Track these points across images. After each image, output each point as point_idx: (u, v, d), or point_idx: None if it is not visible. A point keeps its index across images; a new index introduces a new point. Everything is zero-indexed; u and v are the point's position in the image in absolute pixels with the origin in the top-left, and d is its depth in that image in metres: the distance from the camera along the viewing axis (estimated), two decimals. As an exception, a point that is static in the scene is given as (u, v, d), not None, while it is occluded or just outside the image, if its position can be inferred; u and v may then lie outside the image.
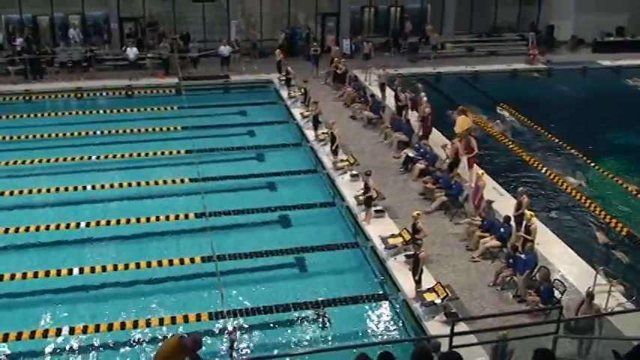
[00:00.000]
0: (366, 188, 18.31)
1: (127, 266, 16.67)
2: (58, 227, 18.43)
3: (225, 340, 13.96)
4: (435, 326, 14.03)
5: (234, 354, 12.82)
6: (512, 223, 17.06)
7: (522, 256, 15.36)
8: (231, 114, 27.76)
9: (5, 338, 14.08)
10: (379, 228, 17.92)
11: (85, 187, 20.71)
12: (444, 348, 10.66)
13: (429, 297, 14.70)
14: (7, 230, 18.20)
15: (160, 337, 14.28)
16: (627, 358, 7.05)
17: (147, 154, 23.26)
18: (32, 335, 14.23)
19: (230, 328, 13.95)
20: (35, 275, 16.24)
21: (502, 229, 16.80)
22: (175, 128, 25.29)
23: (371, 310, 15.54)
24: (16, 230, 18.21)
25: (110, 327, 14.53)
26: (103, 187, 20.80)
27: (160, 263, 16.79)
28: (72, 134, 24.89)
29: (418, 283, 15.16)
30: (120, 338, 14.33)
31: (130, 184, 21.01)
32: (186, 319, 14.80)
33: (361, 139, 24.16)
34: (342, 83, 29.15)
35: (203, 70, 31.65)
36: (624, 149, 25.05)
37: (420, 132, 23.40)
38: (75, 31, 32.36)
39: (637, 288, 15.64)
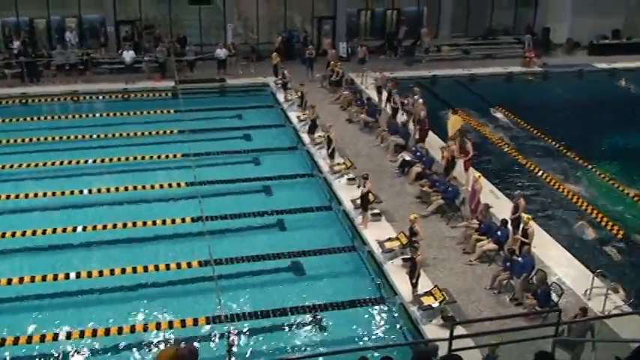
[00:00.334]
0: (363, 192, 18.32)
1: (123, 270, 16.59)
2: (54, 231, 18.40)
3: (222, 344, 13.92)
4: (433, 330, 14.02)
5: (232, 358, 12.79)
6: (509, 226, 17.07)
7: (519, 259, 15.37)
8: (228, 117, 27.75)
9: (2, 342, 14.05)
10: (376, 232, 17.92)
11: (81, 191, 20.72)
12: (443, 351, 10.67)
13: (427, 301, 14.71)
14: (3, 234, 18.13)
15: (157, 342, 14.29)
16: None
17: (143, 158, 23.26)
18: (29, 340, 14.20)
19: (228, 332, 13.94)
20: (31, 280, 16.17)
21: (499, 233, 16.80)
22: (172, 132, 25.24)
23: (368, 314, 15.54)
24: (13, 235, 18.17)
25: (107, 332, 14.49)
26: (99, 190, 20.81)
27: (156, 267, 16.75)
28: (68, 137, 24.84)
29: (415, 286, 15.16)
30: (117, 343, 14.27)
31: (126, 188, 20.94)
32: (183, 323, 14.78)
33: (358, 142, 24.17)
34: (338, 86, 29.18)
35: (199, 74, 31.63)
36: (620, 152, 25.06)
37: (417, 135, 23.42)
38: (71, 34, 32.36)
39: (634, 290, 15.66)
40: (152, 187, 21.06)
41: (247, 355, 13.91)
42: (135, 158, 23.19)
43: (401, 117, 24.85)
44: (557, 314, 11.48)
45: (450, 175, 20.19)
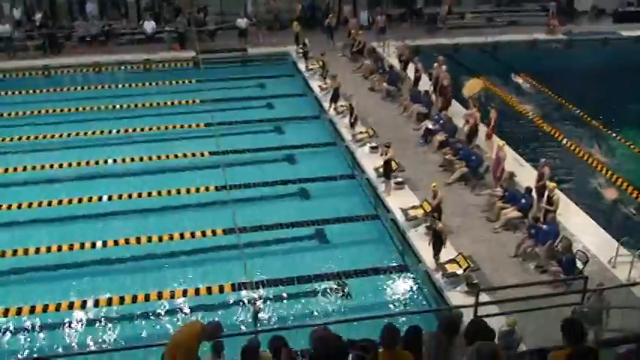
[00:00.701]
0: (385, 159, 18.31)
1: (149, 239, 16.80)
2: (79, 201, 18.62)
3: (248, 311, 14.08)
4: (457, 297, 14.04)
5: (258, 324, 12.93)
6: (534, 194, 16.97)
7: (544, 226, 15.29)
8: (250, 87, 27.72)
9: (32, 310, 14.32)
10: (399, 200, 17.90)
11: (106, 161, 20.88)
12: (467, 318, 10.70)
13: (451, 268, 14.71)
14: (30, 205, 18.36)
15: (184, 309, 14.47)
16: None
17: (166, 128, 23.38)
18: (58, 308, 14.46)
19: (254, 299, 14.08)
20: (59, 249, 16.44)
21: (523, 200, 16.71)
22: (194, 101, 25.33)
23: (392, 281, 15.61)
24: (39, 205, 18.37)
25: (134, 299, 14.72)
26: (124, 160, 20.96)
27: (182, 236, 16.92)
28: (91, 108, 24.99)
29: (436, 256, 15.13)
30: (144, 310, 14.50)
31: (150, 158, 21.13)
32: (209, 290, 14.96)
33: (380, 111, 24.05)
34: (360, 55, 28.98)
35: (220, 43, 31.55)
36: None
37: (439, 103, 23.26)
38: (92, 6, 32.36)
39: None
40: (175, 156, 21.18)
41: (273, 321, 14.04)
42: (158, 128, 23.29)
43: (423, 85, 24.68)
44: (582, 281, 11.50)
45: (472, 142, 20.05)
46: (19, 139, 22.48)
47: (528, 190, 16.89)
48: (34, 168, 20.51)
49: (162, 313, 14.42)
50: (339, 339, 6.68)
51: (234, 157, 20.91)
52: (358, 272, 15.67)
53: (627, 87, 27.21)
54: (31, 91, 26.71)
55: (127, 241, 16.75)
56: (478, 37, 33.18)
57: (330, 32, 31.09)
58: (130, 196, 18.78)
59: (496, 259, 15.52)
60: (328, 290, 15.17)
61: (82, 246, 16.50)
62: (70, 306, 14.50)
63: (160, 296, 14.80)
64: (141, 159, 21.09)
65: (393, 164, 18.72)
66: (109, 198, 18.76)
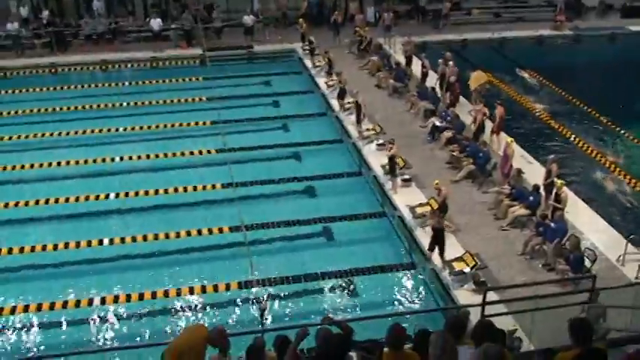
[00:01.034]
0: (388, 155, 18.29)
1: (156, 236, 16.78)
2: (87, 199, 18.63)
3: (255, 309, 14.06)
4: (464, 295, 13.97)
5: (265, 322, 12.90)
6: (542, 191, 16.88)
7: (552, 224, 15.21)
8: (256, 84, 27.68)
9: (39, 308, 14.35)
10: (406, 197, 17.84)
11: (113, 159, 20.90)
12: (474, 317, 10.65)
13: (458, 266, 14.65)
14: (37, 202, 18.41)
15: (190, 307, 14.46)
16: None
17: (172, 125, 23.36)
18: (65, 305, 14.46)
19: (260, 297, 14.05)
20: (65, 246, 16.42)
21: (531, 198, 16.62)
22: (200, 99, 25.31)
23: (399, 279, 15.55)
24: (46, 202, 18.42)
25: (141, 297, 14.70)
26: (130, 158, 20.97)
27: (188, 233, 16.92)
28: (98, 106, 24.99)
29: (441, 254, 15.00)
30: (150, 307, 14.50)
31: (156, 156, 21.09)
32: (215, 288, 14.94)
33: (387, 108, 23.98)
34: (366, 52, 28.91)
35: (227, 41, 31.51)
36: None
37: (447, 100, 23.18)
38: (99, 3, 32.38)
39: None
40: (182, 154, 21.17)
41: (278, 319, 14.00)
42: (165, 126, 23.29)
43: (430, 82, 24.60)
44: (591, 280, 11.41)
45: (480, 139, 19.97)
46: (27, 137, 22.52)
47: (536, 187, 16.79)
48: (41, 165, 20.52)
49: (169, 311, 14.40)
50: (341, 338, 6.65)
51: (240, 155, 20.88)
52: (365, 270, 15.60)
53: (636, 82, 27.05)
54: (37, 89, 26.72)
55: (133, 239, 16.72)
56: (485, 33, 33.05)
57: (336, 29, 31.02)
58: (136, 194, 18.80)
59: (503, 257, 15.44)
60: (335, 288, 15.13)
61: (89, 243, 16.49)
62: (77, 304, 14.49)
63: (166, 294, 14.78)
64: (147, 156, 21.06)
65: (400, 161, 18.70)
66: (116, 195, 18.75)
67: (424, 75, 25.19)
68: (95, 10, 32.18)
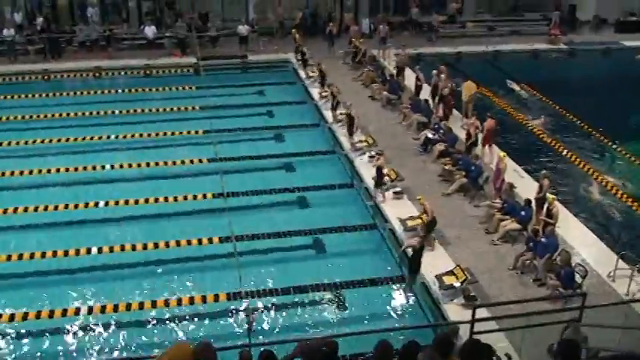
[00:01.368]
0: (378, 168, 18.28)
1: (145, 246, 16.66)
2: (76, 207, 18.49)
3: (243, 321, 13.94)
4: (454, 309, 13.88)
5: (253, 330, 12.77)
6: (533, 206, 16.83)
7: (543, 239, 15.15)
8: (250, 94, 27.62)
9: (25, 317, 14.19)
10: (398, 210, 17.76)
11: (103, 167, 20.80)
12: (464, 333, 10.58)
13: (448, 280, 14.55)
14: (26, 209, 18.27)
15: (178, 318, 14.32)
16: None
17: (165, 134, 23.27)
18: (51, 314, 14.30)
19: (248, 308, 13.92)
20: (54, 254, 16.28)
21: (522, 212, 16.57)
22: (193, 108, 25.23)
23: (389, 293, 15.44)
24: (35, 209, 18.28)
25: (128, 307, 14.55)
26: (121, 166, 20.87)
27: (178, 243, 16.78)
28: (90, 113, 24.88)
29: (416, 270, 14.93)
30: (138, 318, 14.34)
31: (147, 164, 20.97)
32: (204, 299, 14.81)
33: (380, 119, 23.95)
34: (360, 63, 28.91)
35: (221, 50, 31.47)
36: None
37: (439, 112, 23.16)
38: (93, 10, 32.34)
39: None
40: (174, 163, 21.06)
41: (267, 332, 13.87)
42: (157, 134, 23.20)
43: (424, 94, 24.59)
44: (581, 298, 11.33)
45: (472, 152, 19.93)
46: (17, 143, 22.40)
47: (528, 201, 16.75)
48: (31, 172, 20.37)
49: (156, 321, 14.25)
50: (326, 354, 6.55)
51: (232, 165, 20.80)
52: (355, 283, 15.50)
53: (629, 97, 27.11)
54: (30, 96, 26.60)
55: (122, 248, 16.60)
56: (479, 46, 33.13)
57: (330, 40, 31.03)
58: (126, 203, 18.66)
59: (494, 271, 15.37)
60: (324, 301, 15.01)
61: (77, 252, 16.34)
62: (64, 313, 14.33)
63: (154, 304, 14.63)
64: (139, 165, 20.94)
65: (392, 173, 18.65)
66: (106, 204, 18.60)
67: (418, 88, 25.17)
68: (89, 17, 32.16)
